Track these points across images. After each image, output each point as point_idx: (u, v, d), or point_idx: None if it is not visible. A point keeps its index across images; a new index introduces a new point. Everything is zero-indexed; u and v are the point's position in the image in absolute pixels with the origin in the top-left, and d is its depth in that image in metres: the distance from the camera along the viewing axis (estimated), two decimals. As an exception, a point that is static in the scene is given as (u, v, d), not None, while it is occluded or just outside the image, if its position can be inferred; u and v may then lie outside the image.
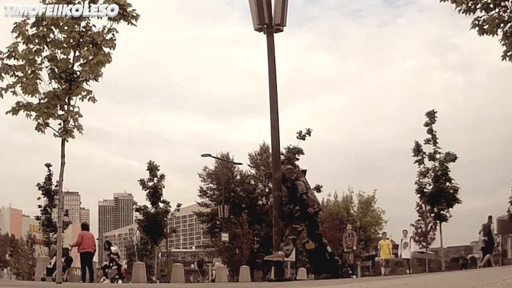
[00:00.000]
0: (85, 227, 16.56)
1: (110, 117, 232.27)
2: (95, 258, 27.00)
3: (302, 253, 35.63)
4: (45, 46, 9.63)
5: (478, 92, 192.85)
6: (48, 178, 30.45)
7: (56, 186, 27.75)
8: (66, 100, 9.77)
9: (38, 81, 9.67)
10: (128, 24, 9.79)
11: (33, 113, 9.73)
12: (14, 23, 9.46)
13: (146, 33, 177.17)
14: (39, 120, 9.78)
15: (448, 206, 26.45)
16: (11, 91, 9.62)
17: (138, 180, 30.71)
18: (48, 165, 30.30)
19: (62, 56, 9.73)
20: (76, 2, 9.62)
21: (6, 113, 9.69)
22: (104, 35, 9.71)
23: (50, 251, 29.12)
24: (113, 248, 19.27)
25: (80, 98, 9.86)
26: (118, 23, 9.78)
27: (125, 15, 9.70)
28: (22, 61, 9.56)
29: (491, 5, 9.44)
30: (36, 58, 9.64)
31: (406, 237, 21.49)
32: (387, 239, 22.86)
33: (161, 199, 30.72)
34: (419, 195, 27.45)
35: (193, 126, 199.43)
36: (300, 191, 10.56)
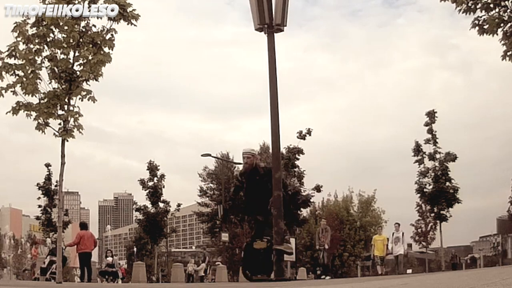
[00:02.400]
0: (84, 226, 16.57)
1: (110, 117, 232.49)
2: (95, 258, 27.04)
3: (302, 253, 35.69)
4: (45, 46, 9.64)
5: (478, 92, 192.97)
6: (48, 178, 30.50)
7: (56, 186, 27.78)
8: (66, 100, 9.77)
9: (38, 81, 9.67)
10: (128, 24, 9.80)
11: (33, 113, 9.73)
12: (14, 23, 9.46)
13: (146, 34, 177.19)
14: (39, 120, 9.78)
15: (448, 206, 26.47)
16: (11, 91, 9.62)
17: (138, 180, 30.77)
18: (48, 165, 30.35)
19: (62, 56, 9.73)
20: (76, 2, 9.62)
21: (6, 113, 9.70)
22: (104, 35, 9.71)
23: (49, 250, 29.17)
24: (109, 259, 19.97)
25: (80, 98, 9.86)
26: (118, 23, 9.78)
27: (125, 15, 9.70)
28: (22, 60, 9.56)
29: (491, 5, 9.43)
30: (36, 58, 9.64)
31: (398, 231, 19.07)
32: (386, 236, 20.60)
33: (161, 199, 30.77)
34: (419, 195, 27.49)
35: (193, 126, 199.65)
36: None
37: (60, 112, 9.79)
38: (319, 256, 18.02)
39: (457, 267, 31.08)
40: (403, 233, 18.90)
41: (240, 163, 45.24)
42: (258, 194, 9.04)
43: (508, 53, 9.46)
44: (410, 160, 27.58)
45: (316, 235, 18.27)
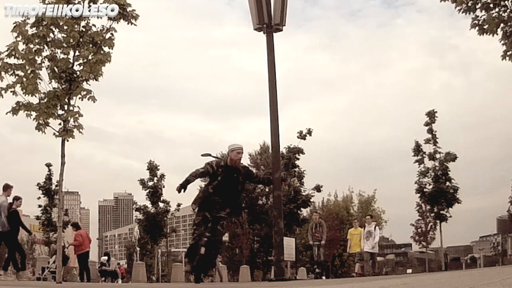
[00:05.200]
0: (78, 226, 16.62)
1: (110, 117, 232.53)
2: (95, 258, 27.11)
3: (302, 253, 35.74)
4: (45, 46, 9.63)
5: (478, 92, 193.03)
6: (48, 178, 30.49)
7: (56, 186, 27.78)
8: (66, 100, 9.76)
9: (38, 81, 9.67)
10: (128, 24, 9.80)
11: (33, 113, 9.73)
12: (14, 23, 9.46)
13: (146, 34, 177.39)
14: (39, 120, 9.77)
15: (448, 206, 26.49)
16: (11, 91, 9.62)
17: (138, 180, 30.76)
18: (48, 165, 30.35)
19: (62, 55, 9.73)
20: (76, 2, 9.63)
21: (6, 113, 9.69)
22: (103, 34, 9.71)
23: (50, 250, 29.18)
24: (103, 258, 20.42)
25: (80, 98, 9.86)
26: (118, 23, 9.79)
27: (125, 15, 9.71)
28: (22, 60, 9.56)
29: (491, 5, 9.45)
30: (36, 58, 9.63)
31: (370, 224, 16.25)
32: (360, 227, 17.31)
33: (161, 198, 30.76)
34: (419, 195, 27.50)
35: (192, 126, 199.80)
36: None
37: (60, 112, 9.79)
38: (314, 252, 16.57)
39: (447, 267, 30.54)
40: (375, 227, 16.29)
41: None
42: (233, 191, 8.62)
43: (508, 53, 9.47)
44: (410, 160, 27.62)
45: (309, 230, 16.69)
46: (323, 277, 17.00)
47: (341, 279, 12.13)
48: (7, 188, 12.82)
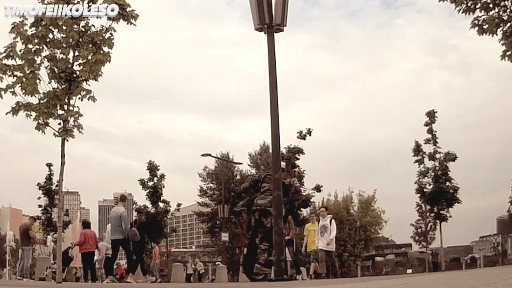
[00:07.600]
0: (86, 225, 16.52)
1: (110, 117, 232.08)
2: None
3: (301, 253, 35.75)
4: (44, 46, 9.63)
5: (478, 92, 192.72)
6: (49, 177, 30.57)
7: (56, 185, 27.81)
8: (66, 100, 9.77)
9: (37, 81, 9.67)
10: (127, 24, 9.80)
11: (33, 113, 9.73)
12: (12, 23, 9.45)
13: (146, 34, 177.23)
14: (39, 120, 9.77)
15: (448, 206, 26.53)
16: (10, 92, 9.62)
17: (138, 180, 30.81)
18: (49, 165, 30.41)
19: (62, 56, 9.73)
20: (76, 2, 9.63)
21: (6, 113, 9.69)
22: (103, 34, 9.72)
23: (52, 251, 29.18)
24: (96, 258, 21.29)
25: (79, 98, 9.86)
26: (117, 23, 9.79)
27: (125, 15, 9.71)
28: (22, 61, 9.56)
29: (491, 5, 9.45)
30: (36, 58, 9.63)
31: (325, 218, 14.14)
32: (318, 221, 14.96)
33: (161, 199, 30.82)
34: (419, 195, 27.53)
35: (192, 126, 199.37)
36: None
37: (60, 112, 9.79)
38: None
39: (438, 266, 30.41)
40: (331, 220, 14.12)
41: (239, 163, 45.20)
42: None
43: (508, 53, 9.47)
44: (410, 160, 27.68)
45: None
46: (298, 277, 14.87)
47: (341, 279, 12.12)
48: (124, 198, 13.91)
